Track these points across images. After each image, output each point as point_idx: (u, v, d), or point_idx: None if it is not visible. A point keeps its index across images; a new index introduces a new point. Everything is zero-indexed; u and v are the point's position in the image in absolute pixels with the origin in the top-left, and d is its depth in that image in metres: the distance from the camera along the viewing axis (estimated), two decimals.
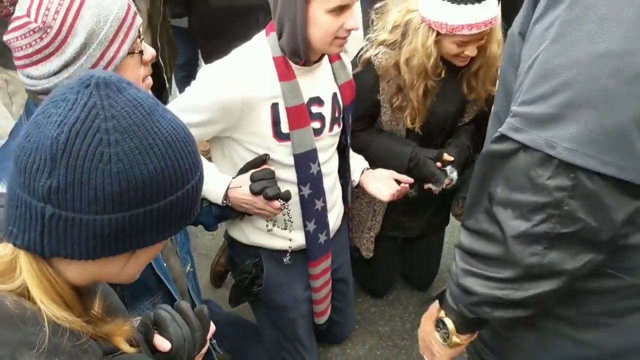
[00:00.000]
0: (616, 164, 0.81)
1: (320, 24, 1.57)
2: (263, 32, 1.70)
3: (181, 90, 2.64)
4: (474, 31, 1.74)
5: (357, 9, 1.75)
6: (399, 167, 1.96)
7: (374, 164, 1.98)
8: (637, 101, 0.79)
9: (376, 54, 1.91)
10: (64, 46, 1.12)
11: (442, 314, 1.11)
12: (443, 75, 1.89)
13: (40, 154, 0.74)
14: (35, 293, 0.78)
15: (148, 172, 0.76)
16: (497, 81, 1.09)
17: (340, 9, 1.55)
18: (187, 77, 3.21)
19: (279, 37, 1.64)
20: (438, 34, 1.80)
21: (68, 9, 1.11)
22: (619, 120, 0.80)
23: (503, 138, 0.89)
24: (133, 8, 1.19)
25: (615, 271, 0.94)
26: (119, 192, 0.75)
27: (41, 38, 1.11)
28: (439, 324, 1.13)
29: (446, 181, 1.98)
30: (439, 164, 1.99)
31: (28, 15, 1.11)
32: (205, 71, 1.67)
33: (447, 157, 1.99)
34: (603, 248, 0.88)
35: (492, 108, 1.09)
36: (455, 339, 1.11)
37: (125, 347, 0.87)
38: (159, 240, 0.83)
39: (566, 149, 0.81)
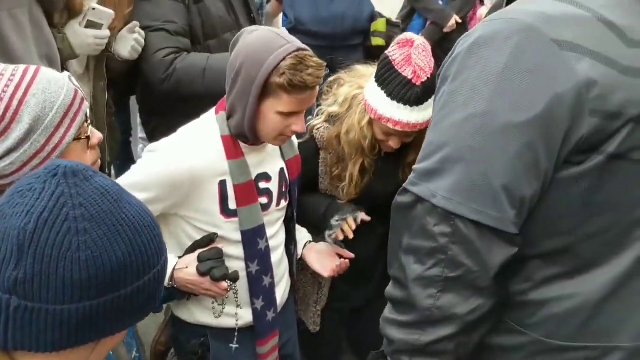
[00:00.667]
0: (484, 212, 0.92)
1: (268, 121, 1.62)
2: (212, 110, 1.74)
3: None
4: (398, 128, 1.79)
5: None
6: (317, 215, 1.99)
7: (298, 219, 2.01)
8: (499, 155, 0.91)
9: (318, 128, 1.97)
10: (7, 132, 1.12)
11: None
12: (381, 154, 1.97)
13: (6, 245, 0.73)
14: None
15: (116, 258, 0.76)
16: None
17: (290, 113, 1.61)
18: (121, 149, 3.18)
19: (228, 117, 1.68)
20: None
21: (12, 96, 1.12)
22: (484, 172, 0.92)
23: (404, 191, 1.01)
24: (81, 94, 1.20)
25: (522, 327, 1.02)
26: (87, 279, 0.74)
27: None
28: None
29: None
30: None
31: None
32: (152, 148, 1.67)
33: (364, 217, 2.01)
34: (489, 294, 0.96)
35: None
36: None
37: None
38: (126, 327, 0.82)
39: (444, 198, 0.93)
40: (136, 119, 3.23)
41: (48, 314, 0.74)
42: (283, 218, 1.89)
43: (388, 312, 1.08)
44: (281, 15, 3.58)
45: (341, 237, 1.98)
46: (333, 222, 1.97)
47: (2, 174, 1.15)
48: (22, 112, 1.12)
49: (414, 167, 1.02)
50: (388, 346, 1.08)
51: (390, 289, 1.07)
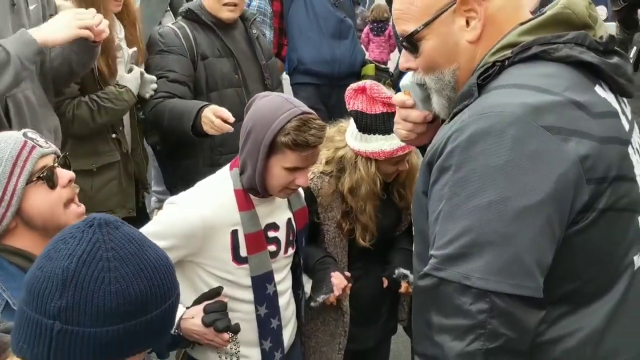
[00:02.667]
0: (518, 284, 1.03)
1: (275, 176, 1.81)
2: (227, 166, 1.93)
3: None
4: (407, 151, 2.06)
5: None
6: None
7: None
8: (525, 235, 1.04)
9: (311, 178, 2.14)
10: None
11: None
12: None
13: (52, 281, 0.91)
14: None
15: (140, 290, 0.94)
16: (413, 227, 1.32)
17: (295, 169, 1.81)
18: None
19: (241, 172, 1.87)
20: (376, 161, 2.08)
21: None
22: (515, 252, 1.04)
23: (426, 275, 1.10)
24: (30, 144, 1.40)
25: None
26: (117, 307, 0.92)
27: None
28: None
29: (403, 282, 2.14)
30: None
31: None
32: (172, 201, 1.87)
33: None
34: (526, 354, 1.07)
35: (414, 248, 1.31)
36: None
37: None
38: (146, 348, 0.99)
39: (479, 279, 1.04)
40: (150, 174, 3.47)
41: (84, 335, 0.91)
42: (290, 265, 2.05)
43: None
44: (284, 73, 3.93)
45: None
46: (319, 299, 2.11)
47: None
48: None
49: (432, 253, 1.09)
50: None
51: None
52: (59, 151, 1.49)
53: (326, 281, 2.08)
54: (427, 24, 1.18)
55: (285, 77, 3.78)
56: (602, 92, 1.15)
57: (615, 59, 1.18)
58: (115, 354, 0.95)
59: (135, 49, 2.62)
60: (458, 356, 1.05)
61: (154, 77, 2.63)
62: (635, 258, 1.16)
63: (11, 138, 1.40)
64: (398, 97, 1.42)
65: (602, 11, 3.79)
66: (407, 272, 2.16)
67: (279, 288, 1.96)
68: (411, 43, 1.22)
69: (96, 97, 2.47)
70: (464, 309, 1.04)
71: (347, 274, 2.15)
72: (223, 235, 1.84)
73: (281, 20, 3.77)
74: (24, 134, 1.43)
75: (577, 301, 1.12)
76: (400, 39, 1.25)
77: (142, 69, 2.65)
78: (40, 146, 1.42)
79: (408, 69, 1.30)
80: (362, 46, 3.72)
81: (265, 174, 1.81)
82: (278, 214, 1.98)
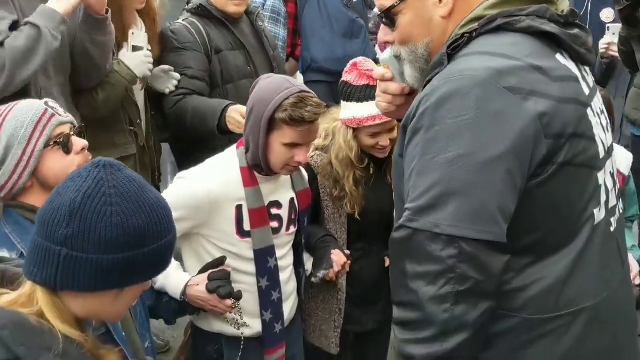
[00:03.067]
0: (483, 230, 1.13)
1: (275, 152, 1.93)
2: (234, 145, 2.06)
3: None
4: (377, 121, 2.12)
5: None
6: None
7: None
8: (489, 184, 1.14)
9: (312, 156, 2.26)
10: None
11: None
12: (371, 170, 2.25)
13: (60, 211, 1.03)
14: (50, 316, 1.03)
15: (138, 224, 1.05)
16: (394, 193, 1.42)
17: (294, 145, 1.92)
18: None
19: (246, 151, 1.99)
20: (354, 129, 2.19)
21: None
22: (481, 199, 1.14)
23: (401, 227, 1.20)
24: (50, 111, 1.54)
25: (512, 312, 1.22)
26: (117, 237, 1.03)
27: None
28: None
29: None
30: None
31: None
32: (181, 175, 2.00)
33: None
34: (493, 296, 1.17)
35: (394, 214, 1.41)
36: None
37: None
38: (143, 280, 1.10)
39: (448, 226, 1.14)
40: (166, 167, 3.61)
41: (88, 261, 1.03)
42: (292, 242, 2.16)
43: (403, 334, 1.21)
44: (298, 72, 4.04)
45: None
46: (319, 274, 2.18)
47: None
48: (1, 135, 1.49)
49: (406, 206, 1.20)
50: None
51: (402, 314, 1.21)
52: (75, 122, 1.63)
53: (326, 258, 2.17)
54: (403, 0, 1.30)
55: (299, 76, 3.90)
56: (563, 60, 1.25)
57: (575, 31, 1.28)
58: (114, 281, 1.06)
59: (144, 33, 2.71)
60: (431, 300, 1.14)
61: (178, 75, 2.70)
62: (596, 212, 1.25)
63: (34, 105, 1.54)
64: (378, 71, 1.54)
65: (609, 13, 3.83)
66: None
67: (280, 263, 2.07)
68: (389, 17, 1.35)
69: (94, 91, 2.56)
70: (435, 256, 1.14)
71: (347, 251, 2.24)
72: (228, 209, 1.95)
73: (295, 22, 3.89)
74: (45, 103, 1.56)
75: (540, 252, 1.22)
76: (379, 12, 1.37)
77: (166, 67, 2.73)
78: (60, 115, 1.56)
79: (386, 43, 1.42)
80: (378, 48, 3.82)
81: (267, 150, 1.92)
82: (281, 192, 2.09)
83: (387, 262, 2.31)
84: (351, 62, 2.24)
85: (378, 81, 1.55)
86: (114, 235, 1.03)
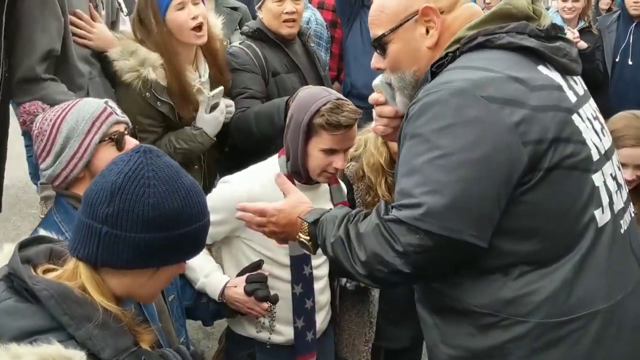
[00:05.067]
0: (447, 227, 1.22)
1: (314, 158, 1.98)
2: (276, 154, 2.11)
3: None
4: None
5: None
6: None
7: None
8: (462, 183, 1.20)
9: (347, 167, 2.32)
10: (54, 142, 1.59)
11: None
12: None
13: (103, 191, 1.10)
14: (90, 289, 1.10)
15: (174, 206, 1.11)
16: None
17: (331, 151, 1.97)
18: None
19: (287, 159, 2.04)
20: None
21: (58, 116, 1.60)
22: (453, 197, 1.20)
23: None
24: (109, 109, 1.63)
25: (522, 317, 1.25)
26: (153, 218, 1.09)
27: (41, 140, 1.61)
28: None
29: None
30: None
31: (35, 127, 1.63)
32: (224, 180, 2.07)
33: None
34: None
35: None
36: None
37: (147, 346, 1.14)
38: (177, 261, 1.15)
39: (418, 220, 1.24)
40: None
41: (126, 239, 1.09)
42: None
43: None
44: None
45: None
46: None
47: (54, 174, 1.59)
48: (62, 126, 1.59)
49: (392, 204, 1.30)
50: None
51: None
52: (130, 123, 1.72)
53: None
54: (393, 30, 1.41)
55: None
56: (546, 71, 1.32)
57: (557, 43, 1.35)
58: (150, 260, 1.12)
59: (221, 88, 2.54)
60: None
61: (230, 102, 2.68)
62: (597, 214, 1.27)
63: (94, 102, 1.65)
64: (372, 96, 1.63)
65: None
66: None
67: (316, 272, 2.09)
68: (380, 45, 1.45)
69: (173, 138, 2.47)
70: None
71: None
72: None
73: (341, 47, 3.94)
74: (105, 102, 1.67)
75: (543, 257, 1.25)
76: (371, 41, 1.47)
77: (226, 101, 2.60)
78: (117, 114, 1.66)
79: (378, 69, 1.52)
80: None
81: (305, 156, 1.97)
82: (320, 203, 2.11)
83: None
84: None
85: (374, 106, 1.62)
86: (150, 215, 1.09)
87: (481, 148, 1.21)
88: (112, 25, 2.61)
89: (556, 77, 1.33)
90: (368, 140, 2.32)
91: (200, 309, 2.01)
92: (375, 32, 1.45)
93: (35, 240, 1.20)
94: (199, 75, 2.55)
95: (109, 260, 1.10)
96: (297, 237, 1.53)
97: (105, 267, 1.12)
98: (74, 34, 2.29)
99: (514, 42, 1.30)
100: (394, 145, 2.22)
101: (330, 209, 1.53)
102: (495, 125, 1.21)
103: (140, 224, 1.09)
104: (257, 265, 1.99)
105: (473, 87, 1.24)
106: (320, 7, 3.92)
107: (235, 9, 3.54)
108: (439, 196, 1.21)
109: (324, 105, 1.92)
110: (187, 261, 1.94)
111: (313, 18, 3.66)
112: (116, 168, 1.12)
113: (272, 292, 1.95)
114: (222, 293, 1.97)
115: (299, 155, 1.97)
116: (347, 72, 3.93)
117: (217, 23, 2.67)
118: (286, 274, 2.03)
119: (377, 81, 1.58)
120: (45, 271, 1.12)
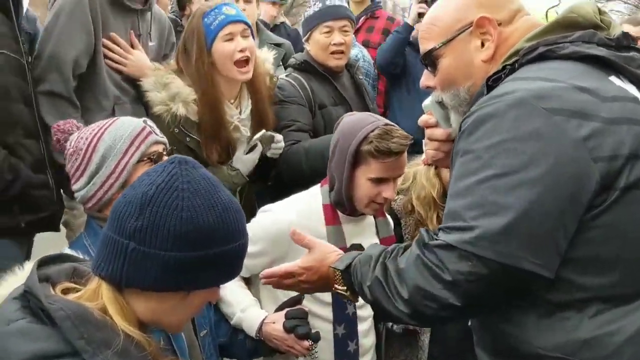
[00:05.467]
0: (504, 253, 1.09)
1: (361, 188, 1.85)
2: (318, 184, 2.00)
3: None
4: None
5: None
6: None
7: None
8: (520, 205, 1.07)
9: (395, 200, 2.19)
10: (89, 162, 1.51)
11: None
12: None
13: (132, 204, 1.00)
14: (112, 311, 0.99)
15: (209, 222, 1.00)
16: None
17: (381, 180, 1.84)
18: None
19: (330, 189, 1.92)
20: (435, 167, 2.11)
21: (95, 134, 1.52)
22: (510, 221, 1.08)
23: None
24: (148, 129, 1.56)
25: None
26: (186, 234, 0.98)
27: (75, 159, 1.52)
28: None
29: None
30: None
31: (70, 145, 1.54)
32: (265, 209, 1.96)
33: None
34: None
35: None
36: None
37: None
38: (210, 285, 1.03)
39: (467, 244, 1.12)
40: None
41: (155, 257, 0.98)
42: None
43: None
44: None
45: None
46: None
47: (87, 195, 1.51)
48: (99, 145, 1.50)
49: (440, 227, 1.18)
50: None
51: None
52: (168, 143, 1.65)
53: None
54: (445, 43, 1.30)
55: None
56: (619, 82, 1.19)
57: (631, 53, 1.22)
58: (180, 281, 1.00)
59: (263, 132, 2.38)
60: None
61: (280, 137, 2.55)
62: None
63: (133, 121, 1.58)
64: (422, 118, 1.49)
65: None
66: None
67: (360, 313, 1.94)
68: (430, 60, 1.34)
69: None
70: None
71: None
72: None
73: (385, 97, 3.89)
74: (144, 121, 1.61)
75: (624, 292, 1.11)
76: (421, 56, 1.37)
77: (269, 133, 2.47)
78: (156, 134, 1.59)
79: (427, 87, 1.40)
80: None
81: (351, 185, 1.84)
82: (365, 236, 1.98)
83: None
84: None
85: (425, 129, 1.49)
86: (182, 230, 0.98)
87: (542, 165, 1.07)
88: (164, 58, 2.60)
89: (630, 88, 1.19)
90: (417, 172, 2.21)
91: (236, 346, 1.87)
92: (426, 46, 1.35)
93: (57, 257, 1.11)
94: (239, 112, 2.45)
95: (134, 280, 0.99)
96: (333, 289, 1.42)
97: (130, 287, 1.01)
98: (108, 57, 2.28)
99: (579, 51, 1.17)
100: (446, 176, 2.12)
101: (360, 253, 1.38)
102: (558, 139, 1.08)
103: (172, 240, 0.98)
104: (297, 300, 1.85)
105: (533, 97, 1.11)
106: (365, 45, 3.86)
107: (279, 45, 3.52)
108: (494, 218, 1.09)
109: (372, 131, 1.81)
110: (222, 295, 1.89)
111: (360, 55, 3.59)
112: (148, 179, 1.03)
113: (312, 330, 1.80)
114: (260, 329, 1.83)
115: (343, 184, 1.85)
116: (392, 114, 3.85)
117: (268, 58, 2.60)
118: (328, 312, 1.89)
119: (427, 102, 1.46)
120: (64, 290, 1.02)
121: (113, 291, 1.00)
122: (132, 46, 2.38)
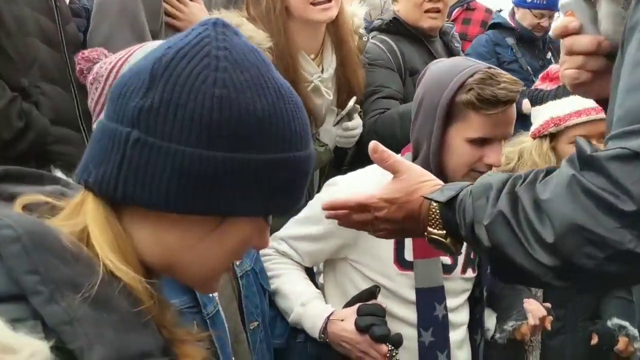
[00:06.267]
0: None
1: (457, 152, 1.44)
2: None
3: None
4: (584, 118, 1.73)
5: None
6: None
7: None
8: None
9: None
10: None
11: None
12: None
13: (139, 76, 0.65)
14: (96, 237, 0.63)
15: (254, 110, 0.64)
16: None
17: (483, 141, 1.44)
18: None
19: (414, 157, 1.53)
20: (550, 140, 1.82)
21: (119, 59, 1.22)
22: None
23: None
24: None
25: None
26: (218, 122, 0.62)
27: (96, 88, 1.20)
28: None
29: None
30: None
31: (91, 73, 1.24)
32: (332, 182, 1.59)
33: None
34: None
35: None
36: None
37: None
38: (252, 212, 0.66)
39: None
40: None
41: (168, 153, 0.62)
42: (469, 293, 1.60)
43: None
44: None
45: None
46: (507, 327, 1.70)
47: None
48: (123, 70, 1.17)
49: (611, 134, 0.79)
50: None
51: None
52: None
53: (517, 306, 1.58)
54: None
55: None
56: None
57: None
58: (207, 200, 0.63)
59: (353, 102, 2.00)
60: None
61: (359, 122, 2.13)
62: None
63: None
64: (559, 21, 1.03)
65: None
66: (625, 323, 1.72)
67: (452, 318, 1.52)
68: None
69: None
70: None
71: (547, 304, 1.63)
72: None
73: None
74: None
75: None
76: None
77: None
78: None
79: None
80: None
81: (443, 150, 1.44)
82: None
83: (595, 340, 1.82)
84: (541, 75, 2.12)
85: (561, 41, 1.03)
86: (213, 116, 0.62)
87: None
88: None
89: None
90: (524, 150, 1.85)
91: (294, 351, 1.46)
92: None
93: (38, 176, 0.76)
94: (321, 69, 2.03)
95: (136, 189, 0.63)
96: (426, 233, 1.00)
97: (130, 205, 0.65)
98: (166, 12, 1.99)
99: None
100: (565, 149, 1.77)
101: (469, 183, 0.98)
102: None
103: (196, 130, 0.62)
104: (372, 292, 1.44)
105: None
106: (463, 38, 3.57)
107: None
108: None
109: (471, 76, 1.41)
110: (279, 285, 1.51)
111: None
112: (167, 43, 0.68)
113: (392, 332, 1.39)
114: (325, 329, 1.42)
115: (431, 149, 1.45)
116: None
117: (358, 13, 2.19)
118: (411, 313, 1.48)
119: None
120: (26, 207, 0.67)
121: (103, 207, 0.65)
122: None
